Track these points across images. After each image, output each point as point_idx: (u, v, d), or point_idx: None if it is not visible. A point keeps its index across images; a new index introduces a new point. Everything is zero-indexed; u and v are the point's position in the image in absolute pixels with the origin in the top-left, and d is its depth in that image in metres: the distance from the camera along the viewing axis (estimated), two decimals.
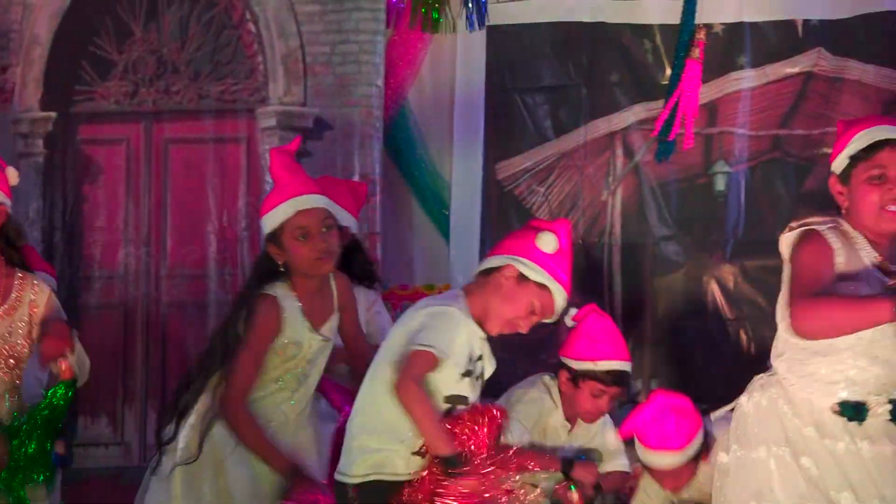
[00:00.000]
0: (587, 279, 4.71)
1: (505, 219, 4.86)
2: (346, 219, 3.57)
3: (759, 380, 3.14)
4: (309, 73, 4.70)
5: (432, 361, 3.07)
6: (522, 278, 3.16)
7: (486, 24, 4.79)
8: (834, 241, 2.95)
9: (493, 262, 3.12)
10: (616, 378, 3.62)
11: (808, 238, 2.99)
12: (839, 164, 3.01)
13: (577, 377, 3.55)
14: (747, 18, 4.81)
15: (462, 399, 3.01)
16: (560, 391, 3.63)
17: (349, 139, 4.67)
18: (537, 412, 3.65)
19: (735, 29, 4.81)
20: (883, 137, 3.01)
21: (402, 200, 4.86)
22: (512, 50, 4.86)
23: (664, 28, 4.82)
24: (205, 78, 4.74)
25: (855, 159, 3.02)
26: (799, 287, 3.04)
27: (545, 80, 4.87)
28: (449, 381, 2.96)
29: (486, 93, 4.84)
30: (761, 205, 4.82)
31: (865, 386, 3.04)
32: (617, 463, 3.80)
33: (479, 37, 4.82)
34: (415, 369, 3.04)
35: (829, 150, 4.67)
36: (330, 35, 4.72)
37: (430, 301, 3.31)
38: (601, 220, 4.85)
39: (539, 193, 4.83)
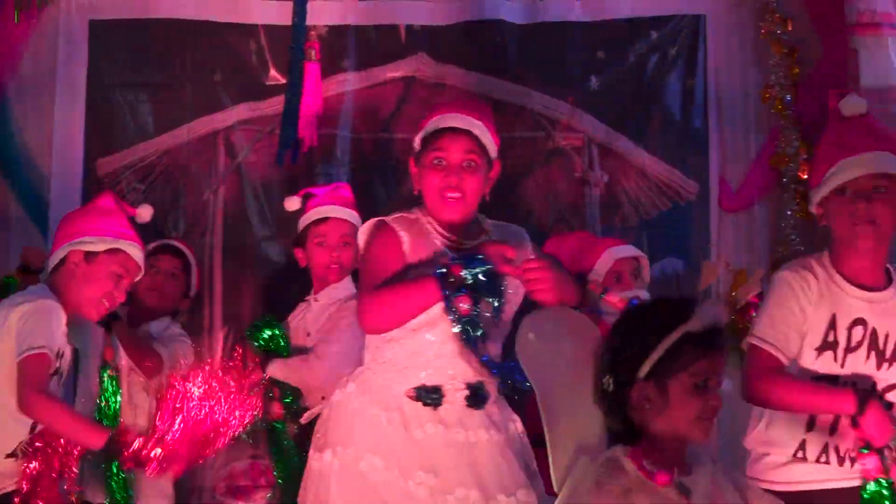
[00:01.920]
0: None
1: None
2: None
3: (347, 375, 3.14)
4: None
5: (46, 361, 3.09)
6: (89, 256, 3.27)
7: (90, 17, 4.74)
8: (402, 231, 2.98)
9: (55, 257, 3.25)
10: None
11: (377, 230, 3.03)
12: (416, 146, 3.10)
13: None
14: (352, 22, 4.84)
15: None
16: None
17: None
18: None
19: (339, 32, 4.82)
20: (446, 125, 3.07)
21: None
22: (115, 45, 4.78)
23: (270, 28, 4.81)
24: None
25: (424, 143, 3.10)
26: (364, 282, 3.05)
27: (148, 77, 4.79)
28: None
29: (88, 87, 4.74)
30: (363, 207, 4.81)
31: (443, 369, 3.04)
32: None
33: (82, 30, 4.74)
34: (30, 378, 3.06)
35: None
36: None
37: (11, 301, 3.28)
38: (203, 220, 4.77)
39: (140, 191, 4.74)
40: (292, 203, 4.18)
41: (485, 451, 3.06)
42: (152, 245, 4.15)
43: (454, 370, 3.07)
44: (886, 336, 2.92)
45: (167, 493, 4.15)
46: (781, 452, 2.99)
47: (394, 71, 4.83)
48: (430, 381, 3.07)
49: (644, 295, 3.88)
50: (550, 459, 2.60)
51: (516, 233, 3.21)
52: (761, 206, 4.82)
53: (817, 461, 2.95)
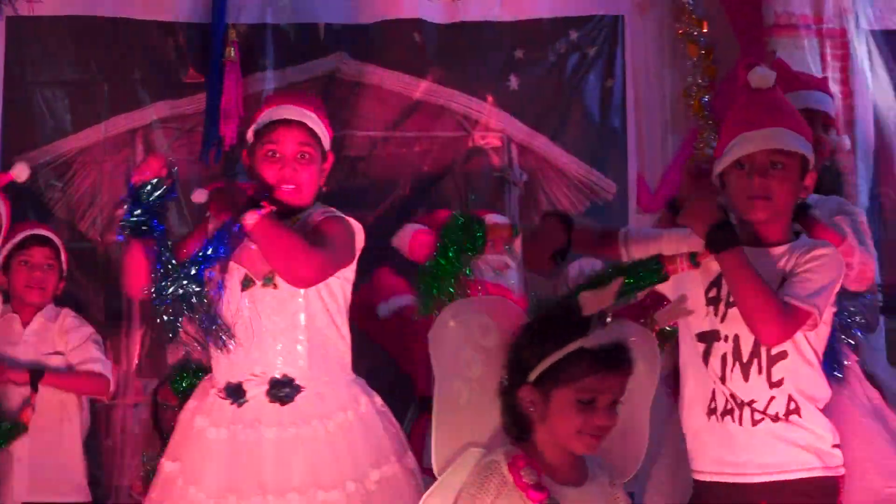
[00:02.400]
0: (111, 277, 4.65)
1: (22, 214, 4.73)
2: None
3: None
4: None
5: None
6: None
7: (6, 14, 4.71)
8: None
9: None
10: None
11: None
12: (248, 138, 3.14)
13: None
14: (271, 20, 4.83)
15: None
16: None
17: None
18: None
19: (258, 30, 4.82)
20: (279, 117, 3.11)
21: None
22: (32, 42, 4.75)
23: (189, 27, 4.79)
24: None
25: (257, 135, 3.13)
26: None
27: (65, 74, 4.77)
28: None
29: (4, 84, 4.71)
30: None
31: (244, 364, 3.03)
32: None
33: None
34: None
35: (350, 153, 4.82)
36: None
37: None
38: (120, 218, 4.74)
39: (57, 188, 4.73)
40: (199, 196, 4.18)
41: (287, 447, 3.02)
42: (19, 237, 4.14)
43: (258, 365, 3.06)
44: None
45: (81, 487, 4.17)
46: None
47: (313, 70, 4.82)
48: (234, 379, 3.07)
49: (512, 263, 3.92)
50: (433, 441, 2.61)
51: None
52: None
53: None
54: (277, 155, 3.06)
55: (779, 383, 2.81)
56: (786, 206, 2.90)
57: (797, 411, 2.82)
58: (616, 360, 2.46)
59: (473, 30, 4.87)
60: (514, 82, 4.86)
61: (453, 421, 2.60)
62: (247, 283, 3.09)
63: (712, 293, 2.89)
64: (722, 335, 2.85)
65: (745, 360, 2.83)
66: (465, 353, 2.71)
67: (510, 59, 4.88)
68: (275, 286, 3.06)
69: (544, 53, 4.86)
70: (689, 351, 2.92)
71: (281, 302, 3.08)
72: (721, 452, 2.86)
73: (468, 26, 4.86)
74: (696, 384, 2.91)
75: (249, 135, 3.16)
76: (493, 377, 2.60)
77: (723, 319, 2.86)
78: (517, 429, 2.52)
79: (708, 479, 2.90)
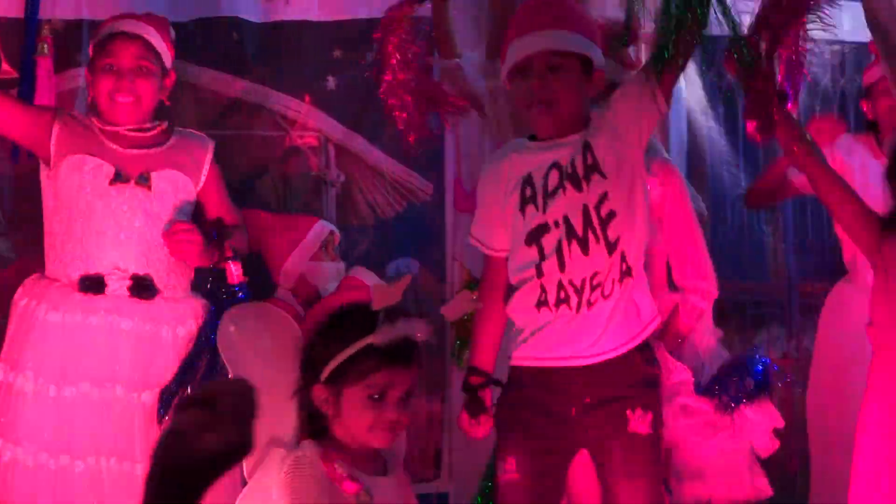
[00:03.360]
0: None
1: None
2: None
3: None
4: None
5: None
6: None
7: None
8: (65, 125, 3.53)
9: None
10: None
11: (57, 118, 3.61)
12: (89, 53, 3.48)
13: None
14: (87, 16, 4.76)
15: None
16: None
17: None
18: None
19: (74, 26, 4.76)
20: (117, 31, 3.32)
21: None
22: None
23: (1, 22, 4.72)
24: None
25: (96, 49, 3.38)
26: None
27: None
28: None
29: None
30: None
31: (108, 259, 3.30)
32: None
33: None
34: None
35: None
36: None
37: None
38: None
39: None
40: None
41: (142, 343, 3.24)
42: None
43: (121, 261, 3.26)
44: (572, 161, 2.92)
45: None
46: None
47: None
48: (91, 271, 3.21)
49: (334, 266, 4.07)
50: None
51: (200, 140, 3.31)
52: None
53: None
54: (114, 68, 3.14)
55: (616, 244, 2.89)
56: (570, 109, 2.92)
57: (629, 272, 2.91)
58: (405, 355, 2.53)
59: (292, 29, 4.87)
60: (331, 82, 4.88)
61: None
62: (119, 178, 3.20)
63: (528, 192, 2.94)
64: (550, 224, 2.91)
65: (581, 234, 2.88)
66: (251, 352, 2.79)
67: (328, 59, 4.89)
68: (148, 188, 3.19)
69: (362, 54, 4.87)
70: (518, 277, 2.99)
71: (151, 203, 3.15)
72: (555, 339, 2.94)
73: (287, 25, 4.87)
74: (523, 299, 2.98)
75: (90, 50, 3.20)
76: (282, 378, 2.67)
77: (545, 210, 2.92)
78: (317, 426, 2.59)
79: (534, 364, 2.99)
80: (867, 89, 4.24)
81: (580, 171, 2.89)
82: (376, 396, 2.52)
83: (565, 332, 2.89)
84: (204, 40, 4.80)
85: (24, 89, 4.62)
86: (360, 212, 4.86)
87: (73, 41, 4.77)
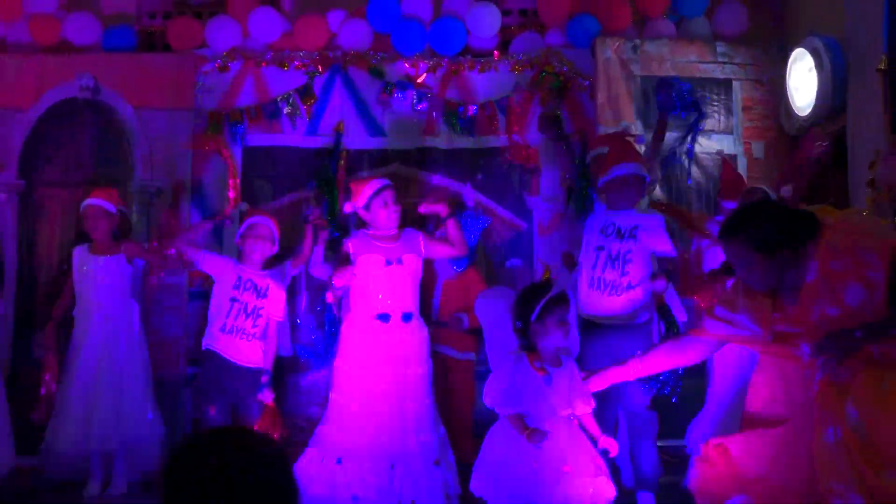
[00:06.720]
0: None
1: None
2: None
3: None
4: None
5: None
6: None
7: None
8: None
9: None
10: None
11: None
12: None
13: None
14: None
15: None
16: None
17: None
18: None
19: None
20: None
21: None
22: None
23: None
24: None
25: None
26: None
27: None
28: None
29: None
30: None
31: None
32: None
33: None
34: None
35: None
36: None
37: None
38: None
39: None
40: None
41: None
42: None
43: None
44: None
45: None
46: None
47: None
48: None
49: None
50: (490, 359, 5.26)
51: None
52: None
53: None
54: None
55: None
56: None
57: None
58: (563, 299, 4.41)
59: None
60: (479, 180, 7.50)
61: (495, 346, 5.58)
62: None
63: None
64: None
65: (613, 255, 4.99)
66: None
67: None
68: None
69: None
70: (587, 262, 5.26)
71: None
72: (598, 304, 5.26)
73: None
74: (586, 276, 5.33)
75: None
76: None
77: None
78: (528, 343, 4.59)
79: (588, 316, 5.21)
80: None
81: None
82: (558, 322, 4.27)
83: None
84: None
85: None
86: (498, 236, 7.54)
87: None
